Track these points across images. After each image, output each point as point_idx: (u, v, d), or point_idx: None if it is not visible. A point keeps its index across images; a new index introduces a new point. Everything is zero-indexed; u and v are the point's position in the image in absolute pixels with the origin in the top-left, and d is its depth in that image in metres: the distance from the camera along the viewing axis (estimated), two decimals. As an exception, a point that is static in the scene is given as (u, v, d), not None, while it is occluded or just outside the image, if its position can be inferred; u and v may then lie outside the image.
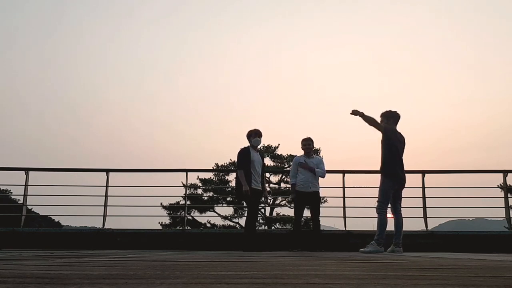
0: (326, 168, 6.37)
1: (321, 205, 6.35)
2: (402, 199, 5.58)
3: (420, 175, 7.11)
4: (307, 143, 6.35)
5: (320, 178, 6.31)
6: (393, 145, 5.40)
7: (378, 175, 5.47)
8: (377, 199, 5.40)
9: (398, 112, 5.55)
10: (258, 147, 6.35)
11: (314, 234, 6.23)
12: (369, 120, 5.33)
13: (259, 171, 6.13)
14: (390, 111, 5.55)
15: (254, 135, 6.18)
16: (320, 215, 6.21)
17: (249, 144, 6.21)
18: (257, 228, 6.76)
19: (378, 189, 5.41)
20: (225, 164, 22.74)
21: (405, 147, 5.56)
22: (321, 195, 6.41)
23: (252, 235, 5.93)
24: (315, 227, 6.24)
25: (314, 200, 6.19)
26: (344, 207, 7.14)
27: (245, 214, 6.62)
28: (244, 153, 6.07)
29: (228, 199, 20.60)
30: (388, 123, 5.47)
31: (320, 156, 6.69)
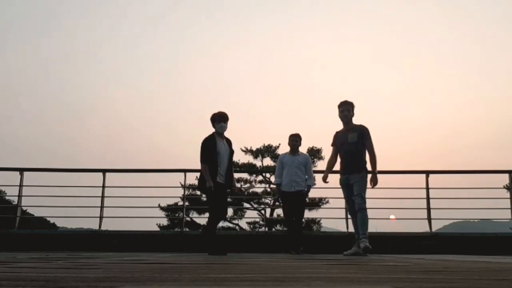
0: None
1: (322, 206, 6.27)
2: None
3: (424, 175, 7.01)
4: (294, 139, 6.06)
5: (315, 178, 6.10)
6: None
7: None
8: (361, 194, 5.14)
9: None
10: (225, 134, 5.41)
11: (294, 234, 5.91)
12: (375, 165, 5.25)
13: (226, 162, 5.29)
14: (351, 102, 5.38)
15: (218, 119, 5.25)
16: (321, 217, 6.16)
17: (214, 131, 5.31)
18: (257, 229, 6.60)
19: (364, 187, 5.17)
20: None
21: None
22: (322, 195, 6.35)
23: (213, 236, 5.18)
24: (296, 227, 5.95)
25: (296, 200, 5.91)
26: (346, 208, 7.00)
27: (244, 216, 6.48)
28: (208, 144, 5.20)
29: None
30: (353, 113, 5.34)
31: (306, 153, 6.35)
